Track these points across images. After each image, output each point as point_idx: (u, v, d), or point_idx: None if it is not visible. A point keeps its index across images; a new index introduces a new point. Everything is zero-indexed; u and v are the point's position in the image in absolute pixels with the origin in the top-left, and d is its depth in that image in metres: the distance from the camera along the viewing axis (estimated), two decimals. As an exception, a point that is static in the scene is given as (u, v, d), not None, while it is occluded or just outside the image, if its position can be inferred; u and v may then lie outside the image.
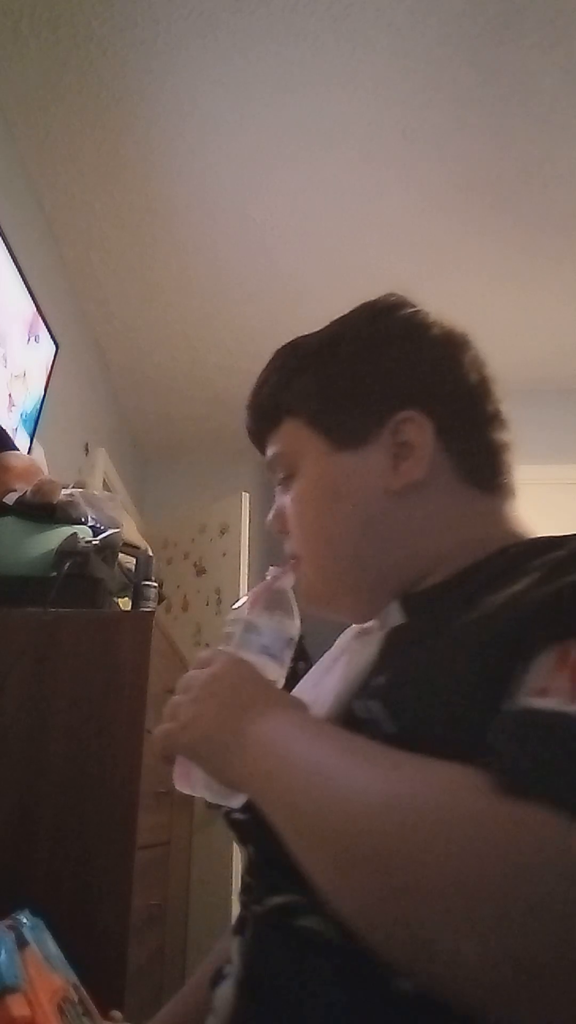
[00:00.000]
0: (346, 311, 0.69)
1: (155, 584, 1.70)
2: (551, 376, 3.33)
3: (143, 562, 1.71)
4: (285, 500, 0.68)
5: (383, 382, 0.63)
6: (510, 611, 0.45)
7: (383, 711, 0.47)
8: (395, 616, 0.60)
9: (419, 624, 0.56)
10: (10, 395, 1.85)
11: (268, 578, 0.63)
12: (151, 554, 1.80)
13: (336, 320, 0.68)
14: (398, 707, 0.46)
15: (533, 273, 2.74)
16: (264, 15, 1.82)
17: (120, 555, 1.65)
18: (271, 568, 0.63)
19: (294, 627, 0.60)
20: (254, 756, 0.47)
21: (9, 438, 1.84)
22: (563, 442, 3.31)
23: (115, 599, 1.61)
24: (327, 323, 0.69)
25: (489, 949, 0.33)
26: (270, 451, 0.69)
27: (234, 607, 0.62)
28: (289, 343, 0.69)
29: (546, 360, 3.24)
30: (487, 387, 0.65)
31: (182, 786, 0.55)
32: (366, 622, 0.65)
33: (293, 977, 0.47)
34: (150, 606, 1.65)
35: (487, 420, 0.64)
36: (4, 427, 1.82)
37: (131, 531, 1.81)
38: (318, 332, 0.68)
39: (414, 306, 0.66)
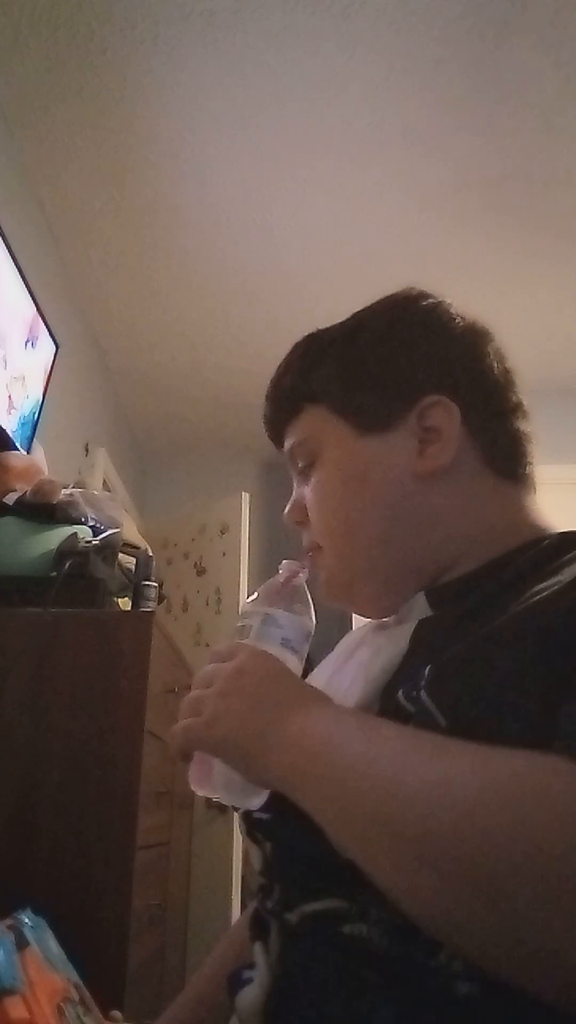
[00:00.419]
0: (346, 310, 0.69)
1: (155, 584, 1.70)
2: (551, 376, 3.33)
3: (143, 562, 1.71)
4: (304, 490, 0.66)
5: (409, 367, 0.62)
6: (566, 601, 0.44)
7: (432, 703, 0.45)
8: (421, 608, 0.58)
9: (451, 615, 0.54)
10: (10, 397, 1.85)
11: (282, 572, 0.61)
12: (151, 554, 1.79)
13: (357, 312, 0.67)
14: (450, 698, 0.44)
15: (533, 273, 2.74)
16: (264, 15, 1.82)
17: (120, 555, 1.65)
18: (285, 562, 0.62)
19: (311, 621, 0.59)
20: (293, 752, 0.45)
21: (9, 438, 1.84)
22: (563, 442, 3.30)
23: (115, 599, 1.61)
24: (328, 322, 0.69)
25: None
26: (289, 441, 0.67)
27: (248, 600, 0.60)
28: (309, 334, 0.68)
29: (546, 360, 3.24)
30: (510, 377, 0.65)
31: (198, 786, 0.52)
32: (386, 616, 0.64)
33: (338, 989, 0.44)
34: (150, 606, 1.65)
35: (511, 409, 0.63)
36: (4, 427, 1.82)
37: (131, 531, 1.81)
38: (339, 323, 0.67)
39: (436, 297, 0.66)
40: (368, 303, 0.68)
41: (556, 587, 0.45)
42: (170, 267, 2.71)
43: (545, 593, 0.46)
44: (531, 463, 0.64)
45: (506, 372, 0.64)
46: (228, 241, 2.59)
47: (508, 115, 2.09)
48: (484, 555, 0.57)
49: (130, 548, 1.72)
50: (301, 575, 0.61)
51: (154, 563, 1.74)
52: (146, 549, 1.81)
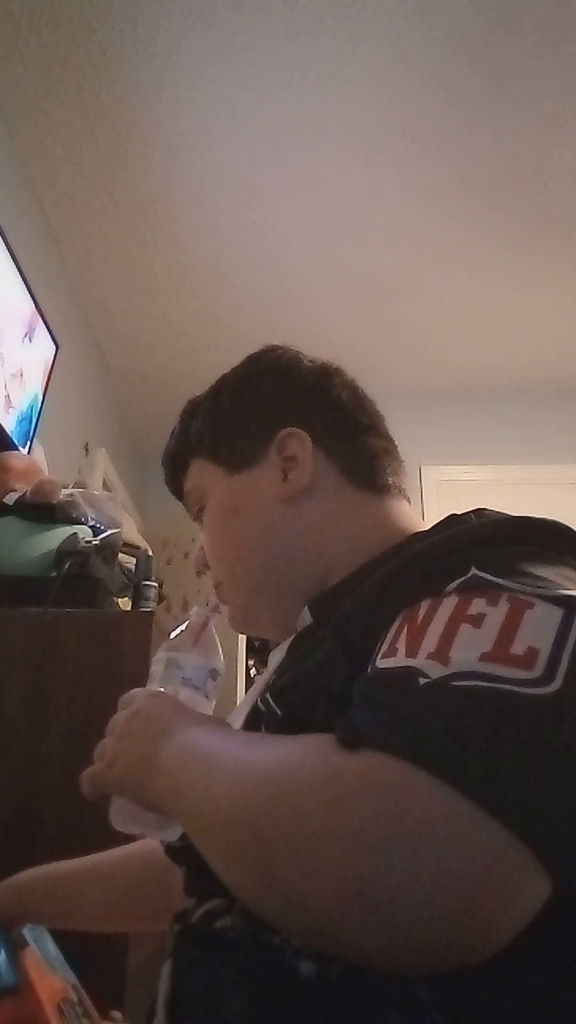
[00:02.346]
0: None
1: (155, 584, 1.69)
2: (551, 376, 3.32)
3: (143, 562, 1.71)
4: (202, 536, 0.74)
5: (263, 407, 0.70)
6: (372, 593, 0.49)
7: (275, 701, 0.52)
8: (306, 620, 0.65)
9: (321, 622, 0.60)
10: (8, 396, 1.85)
11: (194, 617, 0.67)
12: (151, 554, 1.79)
13: (223, 374, 0.77)
14: (283, 695, 0.52)
15: (533, 273, 2.74)
16: (264, 15, 1.82)
17: (120, 555, 1.65)
18: (195, 608, 0.68)
19: (216, 659, 0.65)
20: (166, 773, 0.48)
21: (9, 438, 1.84)
22: (563, 442, 3.30)
23: (115, 599, 1.61)
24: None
25: (320, 882, 0.35)
26: (184, 492, 0.76)
27: (172, 636, 0.66)
28: (188, 400, 0.77)
29: (546, 360, 3.23)
30: (359, 403, 0.72)
31: (120, 825, 0.56)
32: (289, 636, 0.68)
33: (207, 982, 0.48)
34: (150, 606, 1.65)
35: (362, 429, 0.70)
36: (4, 427, 1.82)
37: (131, 531, 1.81)
38: (210, 386, 0.76)
39: (285, 348, 0.75)
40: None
41: (369, 583, 0.50)
42: (170, 267, 2.71)
43: (363, 590, 0.51)
44: (393, 474, 0.70)
45: (355, 398, 0.72)
46: (228, 240, 2.59)
47: (509, 113, 2.10)
48: (354, 563, 0.62)
49: (130, 548, 1.72)
50: (211, 618, 0.67)
51: (154, 563, 1.73)
52: (146, 549, 1.81)
